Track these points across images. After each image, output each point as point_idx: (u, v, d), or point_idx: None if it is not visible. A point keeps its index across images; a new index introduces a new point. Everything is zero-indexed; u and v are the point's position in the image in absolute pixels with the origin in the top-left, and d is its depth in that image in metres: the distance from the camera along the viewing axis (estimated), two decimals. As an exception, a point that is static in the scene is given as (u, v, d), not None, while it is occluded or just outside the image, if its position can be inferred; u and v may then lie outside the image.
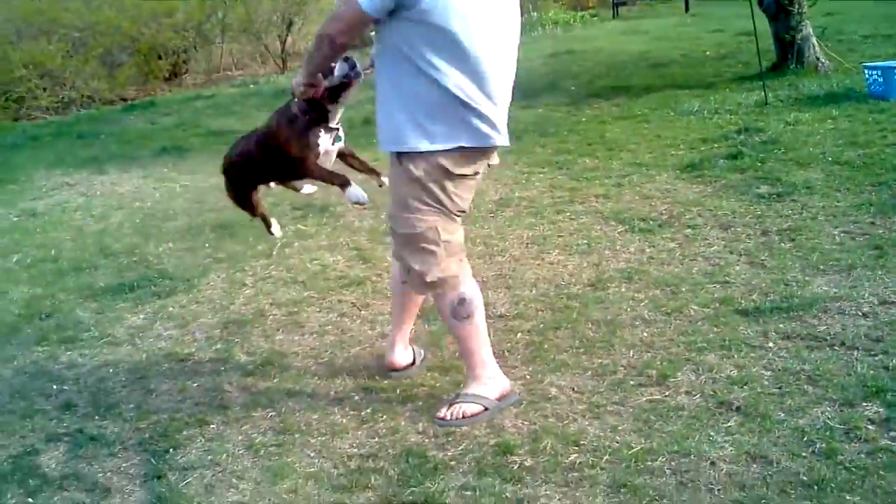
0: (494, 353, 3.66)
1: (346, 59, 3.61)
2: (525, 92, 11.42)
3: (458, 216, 3.38)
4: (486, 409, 3.45)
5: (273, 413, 3.65)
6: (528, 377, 3.71)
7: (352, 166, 3.96)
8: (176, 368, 4.20)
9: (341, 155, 3.88)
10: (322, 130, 3.72)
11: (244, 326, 4.61)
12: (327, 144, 3.76)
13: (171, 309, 4.98)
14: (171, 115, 12.83)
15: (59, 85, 14.83)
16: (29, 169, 9.47)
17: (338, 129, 3.81)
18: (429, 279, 3.34)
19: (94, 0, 15.94)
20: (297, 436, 3.43)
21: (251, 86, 15.49)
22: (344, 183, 3.68)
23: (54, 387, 4.14)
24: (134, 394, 3.98)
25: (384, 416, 3.50)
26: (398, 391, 3.71)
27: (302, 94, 3.52)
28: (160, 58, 16.72)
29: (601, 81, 11.66)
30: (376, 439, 3.34)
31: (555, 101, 10.45)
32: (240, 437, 3.48)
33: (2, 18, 15.64)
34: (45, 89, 14.58)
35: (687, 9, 20.28)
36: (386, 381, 3.80)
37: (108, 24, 15.53)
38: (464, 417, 3.42)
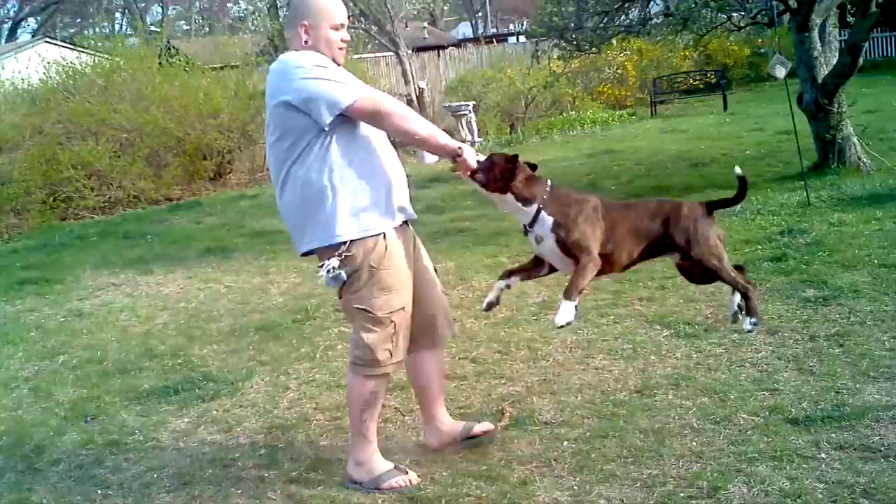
0: (540, 462, 3.80)
1: None
2: (566, 192, 11.51)
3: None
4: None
5: (317, 523, 3.62)
6: (575, 488, 3.65)
7: None
8: (220, 474, 4.18)
9: None
10: None
11: (288, 431, 4.60)
12: None
13: (215, 412, 4.99)
14: (216, 215, 13.01)
15: (105, 185, 15.05)
16: (76, 269, 9.60)
17: None
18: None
19: (143, 101, 16.28)
20: (342, 547, 3.40)
21: (294, 185, 15.69)
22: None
23: (99, 492, 4.14)
24: (178, 500, 3.97)
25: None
26: (443, 501, 3.66)
27: None
28: (205, 158, 17.02)
29: (641, 181, 11.70)
30: (422, 552, 3.30)
31: (595, 201, 10.44)
32: (284, 548, 3.45)
33: (53, 120, 16.00)
34: (92, 189, 14.81)
35: (725, 107, 20.40)
36: (430, 491, 3.76)
37: (156, 126, 15.83)
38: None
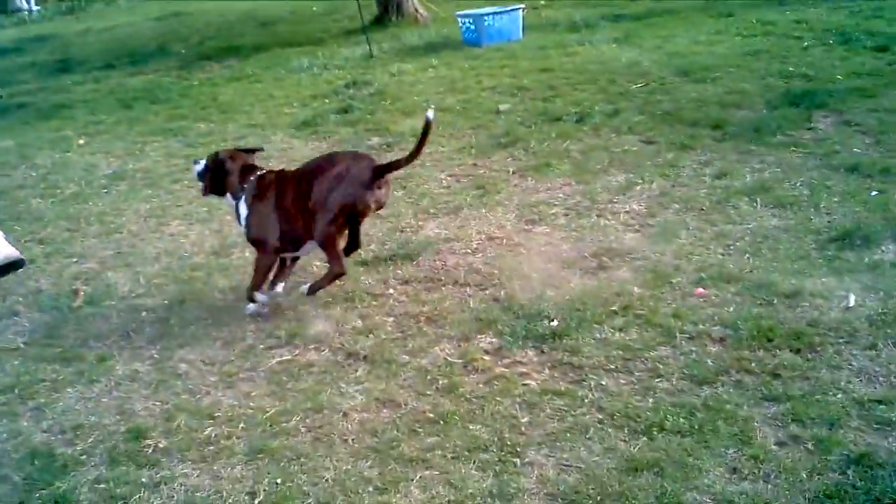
0: (118, 336, 3.81)
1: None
2: (132, 58, 11.04)
3: None
4: None
5: None
6: (156, 356, 3.62)
7: None
8: None
9: None
10: None
11: None
12: None
13: None
14: None
15: None
16: None
17: None
18: None
19: None
20: None
21: None
22: None
23: None
24: None
25: (3, 420, 3.28)
26: (17, 390, 3.47)
27: None
28: None
29: (211, 43, 11.47)
30: (-4, 445, 3.12)
31: (164, 66, 10.14)
32: None
33: None
34: None
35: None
36: (9, 380, 3.55)
37: None
38: None
